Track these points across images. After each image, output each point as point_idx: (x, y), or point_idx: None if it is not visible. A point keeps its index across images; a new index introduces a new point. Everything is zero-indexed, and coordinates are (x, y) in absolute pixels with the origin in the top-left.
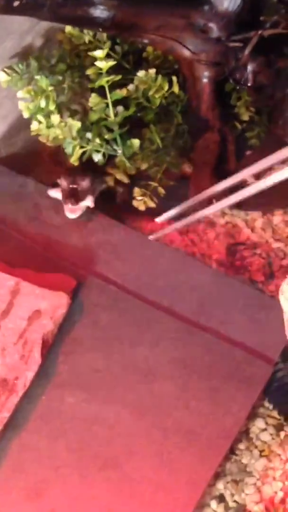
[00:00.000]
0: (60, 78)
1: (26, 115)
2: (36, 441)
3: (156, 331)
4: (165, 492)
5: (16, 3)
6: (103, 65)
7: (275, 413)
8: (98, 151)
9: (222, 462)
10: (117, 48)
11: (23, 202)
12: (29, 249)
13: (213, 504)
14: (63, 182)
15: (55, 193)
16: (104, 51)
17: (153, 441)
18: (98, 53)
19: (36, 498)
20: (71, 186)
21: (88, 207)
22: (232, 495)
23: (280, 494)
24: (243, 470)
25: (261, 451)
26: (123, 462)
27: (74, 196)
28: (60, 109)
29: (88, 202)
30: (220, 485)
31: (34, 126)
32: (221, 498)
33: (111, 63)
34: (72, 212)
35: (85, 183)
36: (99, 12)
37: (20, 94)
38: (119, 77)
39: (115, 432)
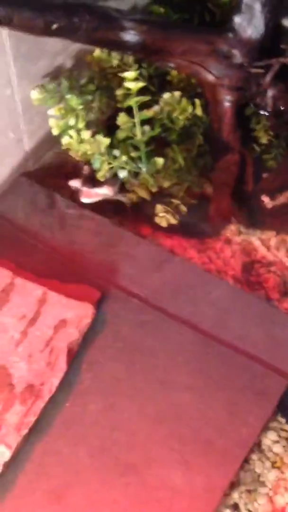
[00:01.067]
0: (90, 97)
1: (55, 131)
2: (58, 446)
3: (175, 343)
4: (182, 499)
5: (54, 26)
6: (133, 86)
7: (287, 427)
8: (123, 168)
9: (237, 472)
10: (143, 70)
11: (50, 215)
12: (55, 261)
13: None
14: (85, 169)
15: (75, 183)
16: (134, 73)
17: (171, 449)
18: (129, 74)
19: (57, 501)
20: (89, 173)
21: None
22: (246, 504)
23: None
24: (256, 480)
25: (273, 463)
26: (142, 469)
27: (92, 181)
28: (88, 127)
29: (105, 190)
30: (235, 495)
31: (65, 140)
32: (235, 507)
33: (141, 84)
34: (87, 196)
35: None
36: (130, 36)
37: (51, 111)
38: (148, 97)
39: (135, 440)
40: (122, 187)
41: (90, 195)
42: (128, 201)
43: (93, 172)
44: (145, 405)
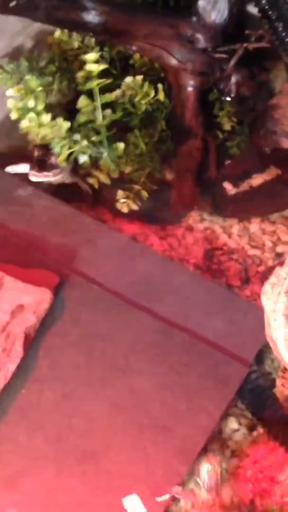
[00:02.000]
0: (50, 79)
1: (14, 115)
2: (14, 433)
3: (135, 330)
4: (140, 485)
5: (12, 3)
6: (94, 68)
7: (248, 414)
8: (84, 153)
9: (197, 459)
10: (105, 53)
11: (7, 199)
12: (13, 245)
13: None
14: (35, 151)
15: (13, 168)
16: (96, 54)
17: (130, 436)
18: (90, 56)
19: (13, 488)
20: (40, 157)
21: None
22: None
23: (249, 495)
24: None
25: (233, 451)
26: (100, 456)
27: (40, 165)
28: (47, 110)
29: (52, 177)
30: (192, 483)
31: (24, 123)
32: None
33: (103, 66)
34: (34, 176)
35: (54, 158)
36: (92, 17)
37: (10, 92)
38: (110, 80)
39: (93, 427)
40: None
41: (38, 177)
42: (85, 186)
43: (44, 155)
44: (104, 392)
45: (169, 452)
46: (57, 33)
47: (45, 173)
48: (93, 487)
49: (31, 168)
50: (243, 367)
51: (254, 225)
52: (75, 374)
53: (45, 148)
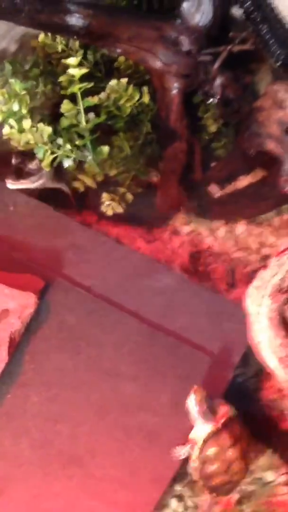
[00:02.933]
0: (34, 83)
1: None
2: (0, 438)
3: (121, 333)
4: (126, 490)
5: None
6: (76, 72)
7: None
8: (68, 157)
9: (183, 463)
10: (89, 56)
11: None
12: None
13: (173, 503)
14: (13, 159)
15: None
16: (77, 59)
17: (116, 440)
18: (71, 60)
19: None
20: (18, 165)
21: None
22: (190, 496)
23: (236, 496)
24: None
25: None
26: (86, 460)
27: (16, 174)
28: (32, 113)
29: (29, 184)
30: (178, 487)
31: (6, 130)
32: (180, 498)
33: (84, 70)
34: (11, 185)
35: (31, 165)
36: (75, 20)
37: None
38: (91, 84)
39: (79, 431)
40: (62, 175)
41: (15, 184)
42: (68, 191)
43: (21, 162)
44: (89, 396)
45: (155, 456)
46: (41, 36)
47: (22, 180)
48: (79, 491)
49: (7, 177)
50: (229, 370)
51: (240, 227)
52: (60, 378)
53: (23, 154)
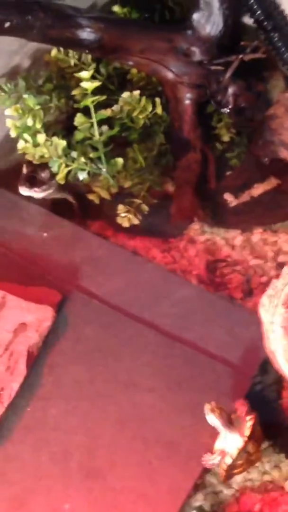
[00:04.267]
0: (47, 97)
1: (13, 133)
2: (20, 451)
3: (138, 345)
4: (146, 502)
5: (6, 24)
6: (89, 86)
7: None
8: (83, 170)
9: (202, 474)
10: (102, 69)
11: (9, 217)
12: (14, 263)
13: None
14: (25, 168)
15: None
16: (90, 72)
17: (135, 452)
18: (84, 74)
19: (19, 508)
20: (30, 174)
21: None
22: (212, 505)
23: (258, 506)
24: (222, 481)
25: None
26: (105, 473)
27: (29, 182)
28: (46, 128)
29: (41, 192)
30: (200, 496)
31: (21, 145)
32: (200, 509)
33: (96, 84)
34: (24, 191)
35: (44, 174)
36: (86, 34)
37: (8, 112)
38: (104, 97)
39: (98, 443)
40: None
41: (27, 192)
42: (73, 201)
43: (33, 171)
44: (107, 408)
45: (174, 467)
46: (54, 51)
47: (35, 188)
48: (99, 504)
49: (22, 184)
50: (247, 379)
51: (256, 236)
52: (78, 391)
53: (34, 164)
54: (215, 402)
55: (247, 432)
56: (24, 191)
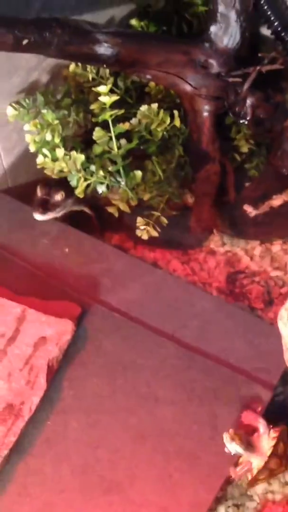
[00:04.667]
0: (66, 112)
1: (32, 147)
2: (41, 465)
3: (158, 357)
4: None
5: (25, 42)
6: (107, 100)
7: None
8: (102, 183)
9: (223, 486)
10: (120, 83)
11: (28, 231)
12: (34, 277)
13: None
14: (39, 192)
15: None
16: (108, 86)
17: (155, 465)
18: (102, 88)
19: None
20: (44, 196)
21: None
22: None
23: None
24: (244, 494)
25: None
26: (126, 486)
27: (43, 206)
28: (65, 142)
29: (55, 214)
30: (221, 509)
31: (40, 159)
32: None
33: (115, 98)
34: (38, 216)
35: (57, 197)
36: (104, 49)
37: (27, 127)
38: (122, 111)
39: (118, 456)
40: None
41: (41, 217)
42: (90, 212)
43: (47, 194)
44: (128, 421)
45: (195, 480)
46: (72, 66)
47: (49, 213)
48: None
49: (35, 210)
50: (268, 391)
51: (276, 246)
52: (99, 404)
53: (48, 186)
54: (233, 430)
55: (269, 452)
56: (38, 216)
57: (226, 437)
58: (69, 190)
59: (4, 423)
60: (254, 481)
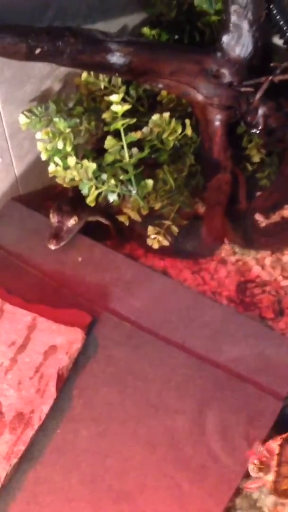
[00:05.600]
0: (78, 120)
1: (44, 156)
2: (50, 473)
3: (168, 367)
4: None
5: (37, 51)
6: (119, 109)
7: None
8: (113, 192)
9: (233, 497)
10: (132, 92)
11: (39, 239)
12: (45, 285)
13: None
14: (52, 218)
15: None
16: (119, 95)
17: (165, 475)
18: (114, 97)
19: None
20: (57, 224)
21: None
22: None
23: None
24: (253, 505)
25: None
26: (136, 496)
27: (57, 236)
28: (76, 150)
29: (69, 238)
30: None
31: (51, 168)
32: None
33: (126, 107)
34: (52, 247)
35: (71, 222)
36: (116, 58)
37: (39, 135)
38: (133, 120)
39: (128, 466)
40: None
41: (55, 246)
42: (106, 222)
43: (58, 221)
44: (137, 430)
45: (205, 491)
46: (84, 74)
47: (62, 242)
48: None
49: (49, 242)
50: (278, 401)
51: (287, 256)
52: (109, 413)
53: (60, 211)
54: (257, 460)
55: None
56: (52, 247)
57: (252, 468)
58: (82, 204)
59: (13, 432)
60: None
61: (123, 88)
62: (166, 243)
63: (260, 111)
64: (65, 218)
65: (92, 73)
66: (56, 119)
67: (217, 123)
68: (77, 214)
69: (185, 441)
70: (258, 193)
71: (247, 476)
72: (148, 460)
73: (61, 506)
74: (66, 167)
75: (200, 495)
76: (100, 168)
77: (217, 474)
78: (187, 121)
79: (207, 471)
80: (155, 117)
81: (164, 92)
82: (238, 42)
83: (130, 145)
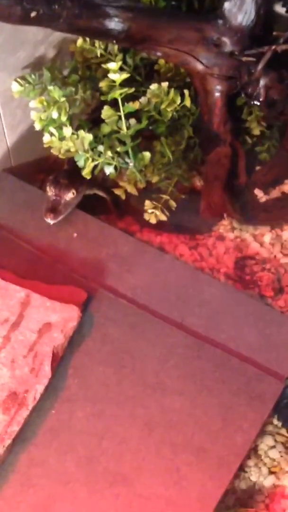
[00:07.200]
0: (73, 89)
1: (38, 126)
2: (45, 455)
3: (166, 346)
4: (174, 510)
5: (33, 14)
6: (117, 77)
7: (284, 431)
8: (109, 164)
9: (232, 480)
10: (129, 60)
11: (33, 213)
12: (38, 260)
13: None
14: (49, 191)
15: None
16: (118, 63)
17: (163, 457)
18: (112, 65)
19: None
20: (54, 197)
21: None
22: None
23: None
24: (252, 487)
25: (269, 468)
26: (133, 478)
27: (55, 209)
28: (72, 120)
29: (67, 212)
30: (229, 502)
31: (46, 138)
32: None
33: (125, 75)
34: (50, 221)
35: (68, 197)
36: (114, 24)
37: (33, 104)
38: (132, 89)
39: (125, 448)
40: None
41: (53, 220)
42: (105, 195)
43: (58, 195)
44: (135, 411)
45: (204, 473)
46: (79, 41)
47: (61, 215)
48: (126, 511)
49: (46, 216)
50: (278, 382)
51: (287, 233)
52: (105, 393)
53: (58, 184)
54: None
55: None
56: (50, 221)
57: None
58: (80, 177)
59: (7, 412)
60: None
61: (120, 56)
62: (163, 217)
63: (262, 82)
64: (63, 191)
65: (88, 39)
66: (50, 87)
67: (217, 94)
68: (75, 187)
69: (183, 422)
70: (258, 168)
71: (248, 456)
72: (146, 442)
73: (55, 489)
74: (61, 138)
75: (199, 478)
76: (96, 140)
77: (216, 456)
78: (186, 92)
79: (206, 453)
80: (153, 86)
81: (161, 61)
82: (240, 9)
83: (128, 116)
